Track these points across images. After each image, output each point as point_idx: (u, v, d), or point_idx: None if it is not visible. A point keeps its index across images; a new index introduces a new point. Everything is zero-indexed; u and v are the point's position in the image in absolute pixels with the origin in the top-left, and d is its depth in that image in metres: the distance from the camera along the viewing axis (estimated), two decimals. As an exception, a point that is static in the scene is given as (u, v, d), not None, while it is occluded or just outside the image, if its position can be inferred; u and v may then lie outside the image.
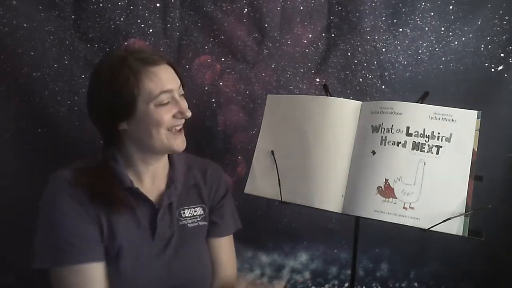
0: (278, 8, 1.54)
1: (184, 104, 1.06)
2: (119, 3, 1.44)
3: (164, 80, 1.02)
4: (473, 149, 1.02)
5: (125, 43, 1.45)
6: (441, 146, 1.04)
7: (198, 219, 1.16)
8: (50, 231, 1.00)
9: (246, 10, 1.53)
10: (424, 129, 1.05)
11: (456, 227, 0.99)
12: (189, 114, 1.06)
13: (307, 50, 1.58)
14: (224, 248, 1.21)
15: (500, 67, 1.60)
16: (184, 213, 1.14)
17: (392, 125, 1.07)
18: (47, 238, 1.01)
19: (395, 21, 1.58)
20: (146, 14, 1.47)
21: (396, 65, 1.59)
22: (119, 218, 1.04)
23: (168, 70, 1.05)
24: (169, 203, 1.11)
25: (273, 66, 1.56)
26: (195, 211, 1.16)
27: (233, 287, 1.20)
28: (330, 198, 1.08)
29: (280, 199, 1.13)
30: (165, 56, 1.09)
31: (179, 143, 1.07)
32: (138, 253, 1.05)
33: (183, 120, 1.07)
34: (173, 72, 1.07)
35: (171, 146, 1.06)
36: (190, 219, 1.15)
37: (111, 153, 1.08)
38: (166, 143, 1.05)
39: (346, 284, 1.69)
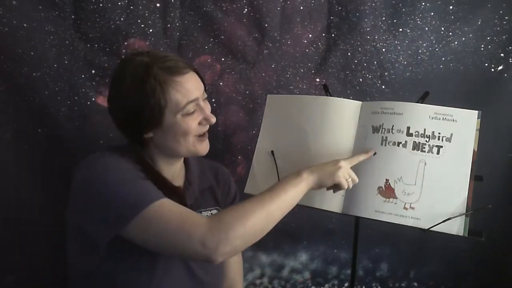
0: (278, 8, 1.54)
1: (208, 109, 1.05)
2: (119, 3, 1.44)
3: (190, 89, 1.00)
4: (474, 149, 1.02)
5: (125, 43, 1.45)
6: (441, 146, 1.04)
7: None
8: (118, 187, 0.93)
9: (246, 10, 1.53)
10: (424, 129, 1.05)
11: (456, 227, 0.99)
12: (213, 120, 1.05)
13: (307, 50, 1.58)
14: None
15: (500, 67, 1.60)
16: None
17: (393, 125, 1.07)
18: (117, 196, 0.92)
19: (395, 21, 1.58)
20: (146, 14, 1.46)
21: (396, 65, 1.59)
22: None
23: (193, 77, 1.03)
24: (190, 204, 1.09)
25: (273, 66, 1.56)
26: (211, 214, 1.14)
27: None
28: (330, 198, 1.08)
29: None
30: (186, 61, 1.06)
31: (204, 147, 1.07)
32: None
33: (208, 125, 1.07)
34: (197, 78, 1.05)
35: (197, 151, 1.06)
36: None
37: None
38: (193, 149, 1.04)
39: (346, 284, 1.69)
